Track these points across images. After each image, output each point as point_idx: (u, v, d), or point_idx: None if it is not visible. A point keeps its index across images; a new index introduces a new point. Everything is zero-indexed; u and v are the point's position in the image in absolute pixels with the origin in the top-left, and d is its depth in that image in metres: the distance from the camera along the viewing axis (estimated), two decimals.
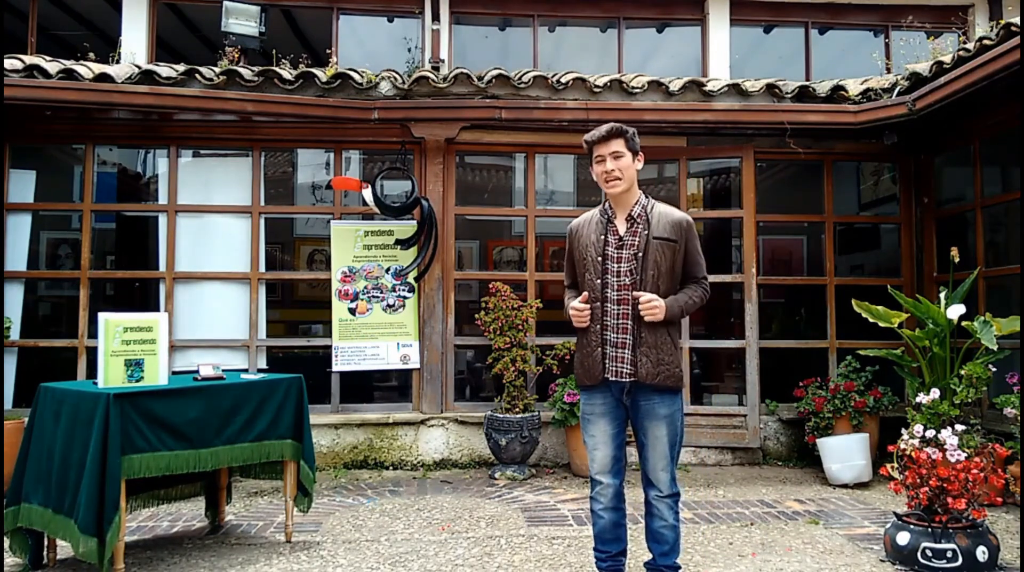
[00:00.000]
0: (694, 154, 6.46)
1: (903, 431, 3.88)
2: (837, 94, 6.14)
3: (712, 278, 3.52)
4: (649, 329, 3.05)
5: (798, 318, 7.47)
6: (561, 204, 7.88)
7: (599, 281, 3.12)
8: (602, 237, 3.16)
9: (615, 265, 3.11)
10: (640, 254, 3.08)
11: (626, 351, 3.07)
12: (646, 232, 3.11)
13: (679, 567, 3.23)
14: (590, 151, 3.22)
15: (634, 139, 3.18)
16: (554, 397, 5.79)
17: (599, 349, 3.10)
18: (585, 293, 3.15)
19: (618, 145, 3.13)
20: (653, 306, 2.99)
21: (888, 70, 7.21)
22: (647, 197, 3.23)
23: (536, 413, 5.77)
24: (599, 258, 3.13)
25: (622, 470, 3.23)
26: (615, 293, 3.10)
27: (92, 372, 5.53)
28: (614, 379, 3.10)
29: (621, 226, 3.16)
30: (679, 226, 3.13)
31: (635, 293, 3.02)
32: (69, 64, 5.71)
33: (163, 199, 6.17)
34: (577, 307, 3.13)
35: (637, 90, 6.07)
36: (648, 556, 3.30)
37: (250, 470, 4.29)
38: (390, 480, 5.64)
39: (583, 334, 3.18)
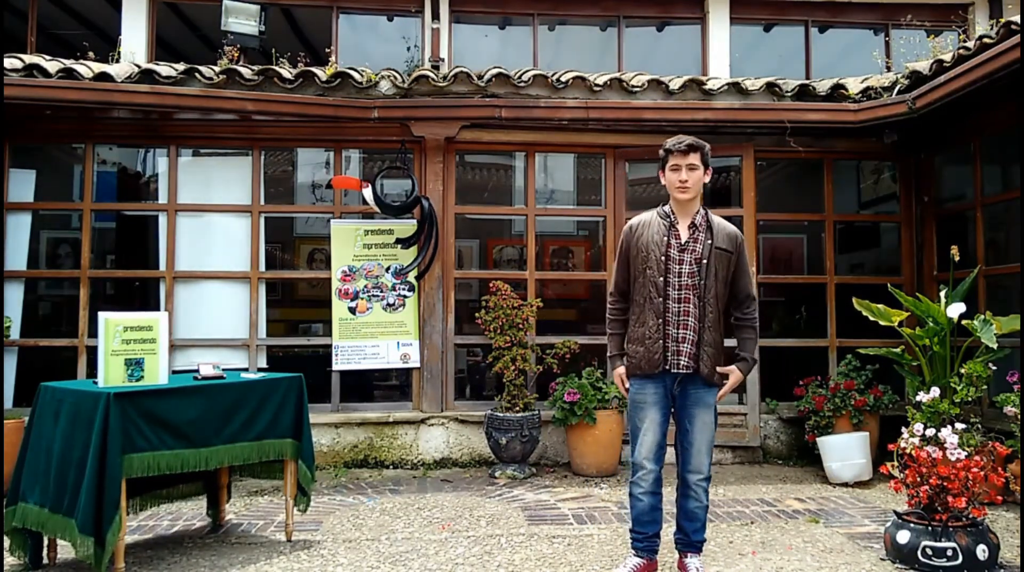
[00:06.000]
0: None
1: (903, 430, 3.88)
2: (837, 93, 6.14)
3: None
4: (710, 331, 3.33)
5: (798, 317, 7.46)
6: (561, 203, 7.87)
7: (662, 279, 3.34)
8: (665, 238, 3.37)
9: (677, 266, 3.34)
10: (704, 261, 3.33)
11: (688, 346, 3.31)
12: (709, 241, 3.36)
13: (705, 540, 3.55)
14: (665, 158, 3.41)
15: (708, 154, 3.42)
16: (554, 396, 5.78)
17: (660, 342, 3.33)
18: (624, 364, 3.48)
19: (695, 158, 3.35)
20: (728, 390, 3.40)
21: (888, 69, 7.20)
22: (705, 208, 3.46)
23: (536, 412, 5.77)
24: (662, 258, 3.34)
25: (663, 457, 3.44)
26: (676, 292, 3.33)
27: (92, 371, 5.52)
28: (675, 371, 3.33)
29: (683, 231, 3.38)
30: (735, 239, 3.43)
31: (731, 379, 3.38)
32: (69, 63, 5.71)
33: (163, 198, 6.16)
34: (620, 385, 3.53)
35: (637, 89, 6.07)
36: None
37: (251, 469, 4.29)
38: (390, 479, 5.65)
39: (640, 327, 3.39)
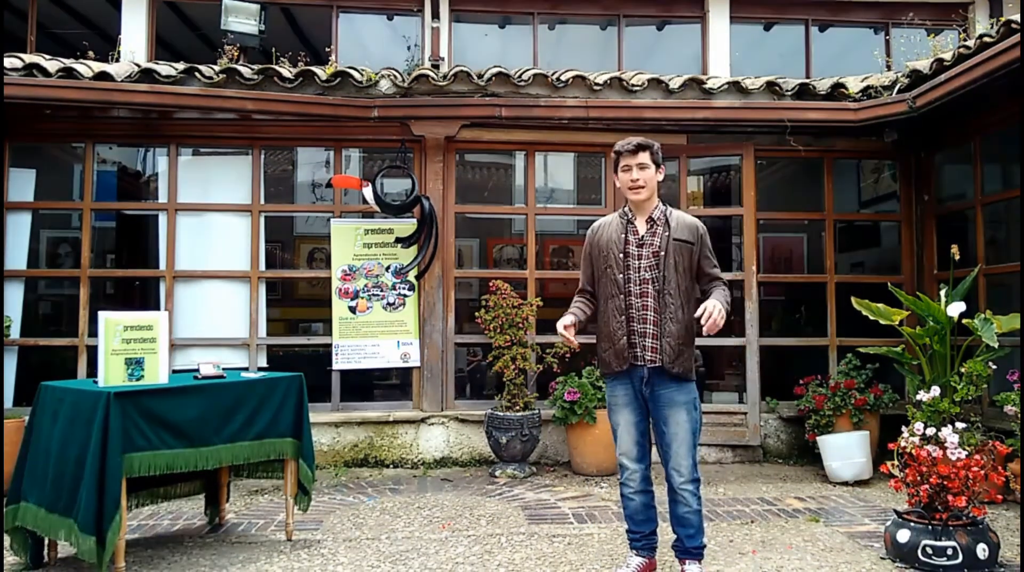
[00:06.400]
0: (694, 152, 6.45)
1: (903, 429, 3.88)
2: (837, 92, 6.13)
3: None
4: (672, 322, 3.32)
5: (798, 316, 7.46)
6: (561, 202, 7.87)
7: (621, 276, 3.38)
8: (623, 235, 3.43)
9: (635, 261, 3.38)
10: (662, 254, 3.35)
11: (648, 340, 3.33)
12: (666, 233, 3.38)
13: (704, 546, 3.46)
14: (617, 160, 3.47)
15: (658, 153, 3.47)
16: (554, 395, 5.79)
17: (624, 338, 3.36)
18: (573, 318, 3.43)
19: (644, 157, 3.41)
20: (715, 322, 3.16)
21: (888, 67, 7.20)
22: (664, 204, 3.51)
23: (536, 411, 5.77)
24: (620, 254, 3.40)
25: (646, 456, 3.47)
26: (636, 287, 3.36)
27: (93, 371, 5.52)
28: (640, 364, 3.35)
29: (641, 227, 3.43)
30: (695, 230, 3.44)
31: (710, 316, 3.15)
32: (69, 63, 5.71)
33: (163, 198, 6.16)
34: (565, 333, 3.38)
35: (637, 88, 6.07)
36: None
37: (250, 468, 4.29)
38: (391, 478, 5.65)
39: (606, 326, 3.43)
